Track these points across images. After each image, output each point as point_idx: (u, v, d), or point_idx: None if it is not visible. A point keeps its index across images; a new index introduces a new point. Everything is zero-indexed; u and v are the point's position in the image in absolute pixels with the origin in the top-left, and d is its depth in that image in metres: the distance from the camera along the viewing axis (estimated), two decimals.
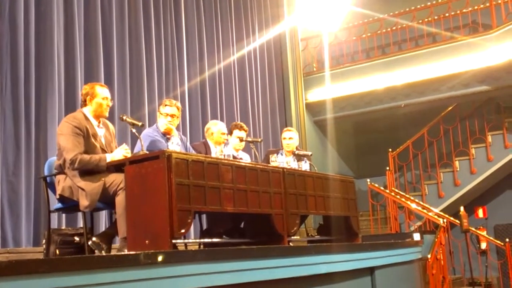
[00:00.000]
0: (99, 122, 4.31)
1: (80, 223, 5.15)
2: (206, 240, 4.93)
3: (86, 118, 4.21)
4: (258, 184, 4.28)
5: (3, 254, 4.88)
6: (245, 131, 5.71)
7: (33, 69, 5.72)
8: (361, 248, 4.88)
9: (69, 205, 4.15)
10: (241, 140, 5.60)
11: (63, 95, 5.99)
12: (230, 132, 5.70)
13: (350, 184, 5.56)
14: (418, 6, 9.87)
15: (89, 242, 3.98)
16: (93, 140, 4.14)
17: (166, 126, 4.87)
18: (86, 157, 4.00)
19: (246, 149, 6.85)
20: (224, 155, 4.46)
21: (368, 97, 9.74)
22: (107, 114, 4.33)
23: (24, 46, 5.65)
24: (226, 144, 5.53)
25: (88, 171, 4.01)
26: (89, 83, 4.46)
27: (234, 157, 5.15)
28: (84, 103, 4.28)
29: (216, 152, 5.24)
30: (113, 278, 2.60)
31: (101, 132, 4.29)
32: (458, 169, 9.52)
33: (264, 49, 9.68)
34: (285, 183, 4.57)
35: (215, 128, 5.44)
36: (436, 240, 7.03)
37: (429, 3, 9.79)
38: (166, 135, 4.85)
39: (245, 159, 5.48)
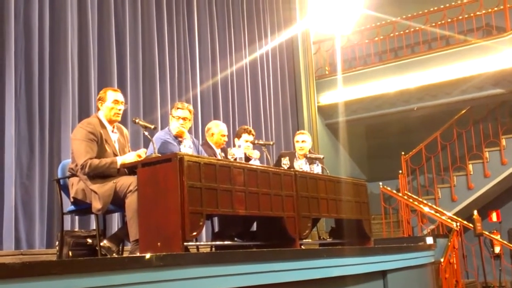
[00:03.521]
0: (113, 127, 4.33)
1: (93, 225, 5.18)
2: (218, 242, 4.94)
3: (101, 123, 4.24)
4: (270, 187, 4.28)
5: (17, 255, 4.91)
6: (253, 135, 5.74)
7: (47, 72, 5.76)
8: (374, 251, 4.86)
9: (82, 208, 4.18)
10: (253, 143, 5.62)
11: (77, 98, 6.04)
12: (238, 136, 5.71)
13: (362, 187, 5.54)
14: (431, 9, 9.82)
15: (101, 244, 4.00)
16: (106, 145, 4.17)
17: (178, 129, 4.88)
18: (96, 161, 4.02)
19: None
20: (236, 158, 4.46)
21: (381, 100, 9.70)
22: (118, 119, 4.34)
23: (38, 49, 5.70)
24: (239, 146, 5.54)
25: (100, 174, 4.05)
26: (104, 88, 4.49)
27: (247, 158, 5.16)
28: (98, 108, 4.32)
29: (220, 153, 5.27)
30: (125, 280, 2.61)
31: (114, 137, 4.32)
32: (471, 173, 9.45)
33: (276, 52, 9.68)
34: (297, 186, 4.56)
35: (216, 129, 5.43)
36: (449, 244, 6.99)
37: (442, 6, 9.74)
38: (178, 138, 4.87)
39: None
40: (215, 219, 5.37)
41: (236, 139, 5.74)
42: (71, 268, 2.42)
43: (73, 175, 4.13)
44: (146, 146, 5.39)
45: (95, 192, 3.97)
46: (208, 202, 3.73)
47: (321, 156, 6.01)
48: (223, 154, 5.32)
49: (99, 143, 4.13)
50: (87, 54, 6.21)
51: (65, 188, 4.31)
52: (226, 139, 5.45)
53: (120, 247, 4.23)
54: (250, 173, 4.15)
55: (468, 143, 9.67)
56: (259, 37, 9.29)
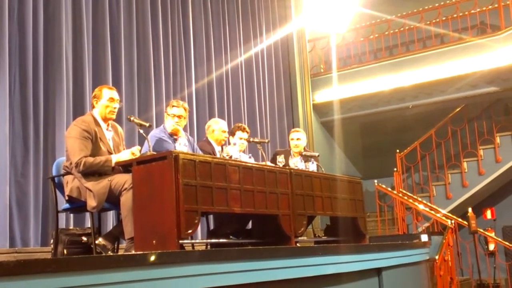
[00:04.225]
0: (107, 125, 4.33)
1: (88, 223, 5.17)
2: (213, 240, 4.94)
3: (95, 121, 4.24)
4: (265, 185, 4.28)
5: (11, 253, 4.90)
6: (248, 132, 5.74)
7: (42, 70, 5.75)
8: (368, 249, 4.87)
9: (77, 206, 4.17)
10: (248, 140, 5.62)
11: (71, 96, 6.02)
12: (232, 134, 5.71)
13: (357, 185, 5.55)
14: (426, 7, 9.83)
15: (96, 242, 4.00)
16: (100, 143, 4.17)
17: (173, 127, 4.88)
18: (90, 159, 4.02)
19: (253, 150, 6.86)
20: (231, 156, 4.46)
21: (376, 98, 9.72)
22: (113, 117, 4.34)
23: (32, 47, 5.68)
24: (234, 144, 5.54)
25: (95, 172, 4.04)
26: (99, 86, 4.49)
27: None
28: (93, 105, 4.32)
29: (219, 151, 5.27)
30: (120, 278, 2.61)
31: (109, 135, 4.31)
32: (466, 170, 9.48)
33: (271, 50, 9.68)
34: (292, 184, 4.57)
35: (216, 126, 5.45)
36: (444, 241, 7.00)
37: (437, 4, 9.75)
38: (173, 136, 4.87)
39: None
40: (211, 217, 5.37)
41: (230, 137, 5.74)
42: (66, 266, 2.42)
43: (68, 173, 4.12)
44: (141, 144, 5.39)
45: (90, 190, 3.96)
46: (203, 200, 3.73)
47: (316, 154, 6.02)
48: (224, 154, 5.32)
49: (94, 141, 4.12)
50: (81, 52, 6.19)
51: (59, 186, 4.31)
52: (226, 135, 5.46)
53: (115, 245, 4.23)
54: (245, 171, 4.15)
55: (462, 141, 9.69)
56: (254, 35, 9.28)
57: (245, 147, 5.74)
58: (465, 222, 8.17)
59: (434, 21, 9.72)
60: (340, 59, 10.47)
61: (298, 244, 4.63)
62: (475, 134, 9.57)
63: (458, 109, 9.82)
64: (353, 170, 10.92)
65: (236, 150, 4.62)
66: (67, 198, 4.18)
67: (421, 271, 5.73)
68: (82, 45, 6.20)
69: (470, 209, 8.15)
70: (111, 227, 5.33)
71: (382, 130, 11.01)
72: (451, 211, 8.93)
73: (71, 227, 5.46)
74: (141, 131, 4.37)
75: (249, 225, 5.10)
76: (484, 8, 9.37)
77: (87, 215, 5.02)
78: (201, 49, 8.08)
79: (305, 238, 5.95)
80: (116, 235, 4.16)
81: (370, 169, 11.02)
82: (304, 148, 6.18)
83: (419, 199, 8.98)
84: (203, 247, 5.24)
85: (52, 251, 4.27)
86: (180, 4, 7.83)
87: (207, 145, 5.33)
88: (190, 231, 3.60)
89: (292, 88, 10.05)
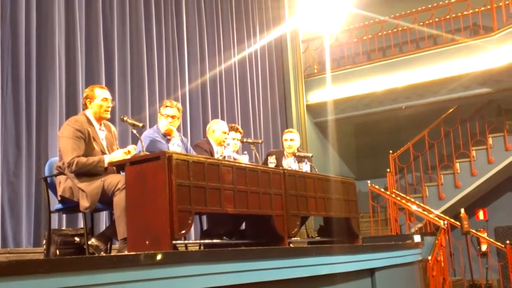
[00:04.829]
0: (100, 125, 4.32)
1: (80, 224, 5.15)
2: (207, 241, 4.94)
3: (89, 121, 4.22)
4: (258, 185, 4.28)
5: (3, 254, 4.88)
6: (241, 133, 5.75)
7: (34, 70, 5.73)
8: (362, 249, 4.88)
9: (70, 206, 4.15)
10: (241, 141, 5.62)
11: (64, 97, 6.00)
12: None
13: (350, 186, 5.56)
14: (419, 8, 9.87)
15: (89, 242, 3.99)
16: (94, 143, 4.15)
17: (166, 127, 4.88)
18: (83, 159, 4.01)
19: (246, 151, 6.85)
20: (225, 157, 4.46)
21: (369, 99, 9.74)
22: (108, 116, 4.33)
23: (25, 48, 5.66)
24: (228, 144, 5.54)
25: (88, 173, 4.03)
26: (90, 86, 4.47)
27: (234, 159, 5.16)
28: (85, 106, 4.29)
29: (217, 151, 5.27)
30: (113, 279, 2.60)
31: (102, 134, 4.30)
32: (458, 171, 9.52)
33: (265, 51, 9.69)
34: (286, 184, 4.57)
35: (217, 126, 5.46)
36: (437, 242, 7.02)
37: (430, 5, 9.79)
38: (166, 136, 4.86)
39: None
40: (204, 217, 5.37)
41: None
42: (59, 267, 2.41)
43: (61, 173, 4.10)
44: (134, 144, 5.37)
45: (83, 190, 3.94)
46: (196, 200, 3.72)
47: (310, 155, 6.03)
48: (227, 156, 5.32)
49: (87, 141, 4.11)
50: (74, 53, 6.17)
51: (52, 186, 4.29)
52: (227, 136, 5.47)
53: (108, 246, 4.22)
54: (239, 172, 4.15)
55: (455, 142, 9.73)
56: (248, 35, 9.29)
57: (239, 148, 5.74)
58: (457, 223, 8.20)
59: (427, 22, 9.76)
60: (334, 60, 10.48)
61: (291, 245, 4.64)
62: (468, 135, 9.61)
63: (451, 110, 9.86)
64: (346, 171, 10.94)
65: (230, 150, 4.62)
66: (59, 198, 4.16)
67: (414, 272, 5.75)
68: (75, 45, 6.18)
69: (462, 210, 8.18)
70: (104, 228, 5.32)
71: (376, 130, 11.05)
72: (443, 212, 8.96)
73: (64, 227, 5.44)
74: (134, 131, 4.36)
75: (243, 226, 5.10)
76: (477, 10, 9.42)
77: (80, 215, 5.01)
78: (195, 49, 8.07)
79: (299, 238, 5.95)
80: (109, 236, 4.14)
81: (363, 169, 11.05)
82: (298, 149, 6.18)
83: (412, 199, 9.01)
84: (197, 248, 5.23)
85: (45, 251, 4.25)
86: (173, 4, 7.82)
87: (205, 144, 5.34)
88: (183, 232, 3.60)
89: (286, 88, 10.06)
